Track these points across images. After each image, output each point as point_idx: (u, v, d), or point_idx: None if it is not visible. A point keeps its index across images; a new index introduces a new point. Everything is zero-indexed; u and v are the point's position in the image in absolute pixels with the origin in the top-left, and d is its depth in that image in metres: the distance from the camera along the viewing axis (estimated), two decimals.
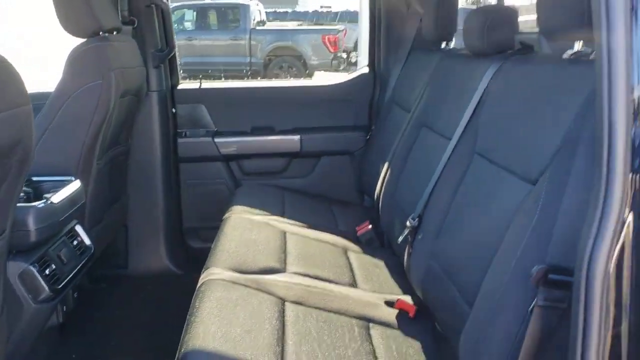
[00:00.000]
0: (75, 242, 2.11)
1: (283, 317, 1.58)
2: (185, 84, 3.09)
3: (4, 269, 1.70)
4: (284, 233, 2.23)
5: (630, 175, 0.91)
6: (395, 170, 2.27)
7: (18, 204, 1.79)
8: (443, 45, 2.47)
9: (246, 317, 1.51)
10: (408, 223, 1.82)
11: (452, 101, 1.94)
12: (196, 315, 1.50)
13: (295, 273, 1.89)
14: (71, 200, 2.03)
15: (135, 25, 2.78)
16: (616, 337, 0.95)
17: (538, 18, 1.40)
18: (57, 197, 1.93)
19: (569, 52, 1.39)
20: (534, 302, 1.07)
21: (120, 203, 2.81)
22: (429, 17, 2.40)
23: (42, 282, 1.83)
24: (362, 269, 2.06)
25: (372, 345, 1.54)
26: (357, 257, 2.18)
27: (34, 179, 2.11)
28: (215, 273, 1.76)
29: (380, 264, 2.17)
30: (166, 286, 2.89)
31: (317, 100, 3.09)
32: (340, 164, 3.07)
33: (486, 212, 1.43)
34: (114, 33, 2.44)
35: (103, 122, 2.25)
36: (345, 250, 2.21)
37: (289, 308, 1.64)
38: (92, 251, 2.19)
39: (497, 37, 1.79)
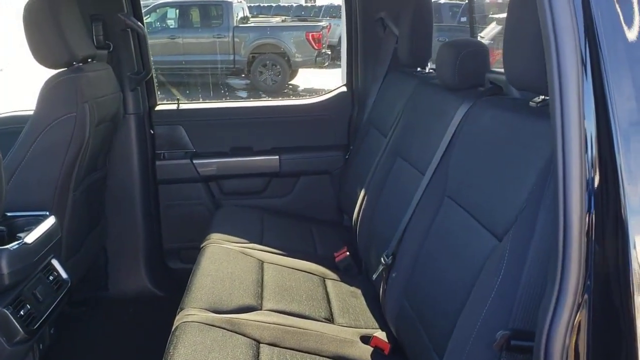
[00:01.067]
0: (51, 277, 2.10)
1: None
2: (162, 105, 3.07)
3: None
4: (262, 263, 2.23)
5: (586, 243, 0.92)
6: (372, 198, 2.28)
7: None
8: (419, 68, 2.48)
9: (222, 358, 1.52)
10: (382, 260, 1.84)
11: (425, 135, 1.95)
12: None
13: (271, 310, 1.89)
14: (47, 236, 2.01)
15: (111, 49, 2.76)
16: None
17: (505, 68, 1.41)
18: (31, 237, 1.91)
19: (536, 99, 1.41)
20: None
21: (99, 228, 2.80)
22: (404, 43, 2.41)
23: (17, 325, 1.82)
24: (339, 300, 2.07)
25: None
26: (335, 286, 2.19)
27: (8, 214, 2.10)
28: (190, 314, 1.76)
29: (358, 292, 2.18)
30: (147, 307, 2.89)
31: (296, 119, 3.09)
32: (319, 183, 3.07)
33: (455, 260, 1.45)
34: (89, 60, 2.42)
35: (78, 154, 2.24)
36: (323, 280, 2.22)
37: (264, 351, 1.65)
38: (68, 285, 2.18)
39: (468, 73, 1.81)
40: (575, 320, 0.94)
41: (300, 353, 1.67)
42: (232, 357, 1.56)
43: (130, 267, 2.99)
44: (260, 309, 1.89)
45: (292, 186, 3.08)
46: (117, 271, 2.99)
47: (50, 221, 2.08)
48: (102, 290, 2.99)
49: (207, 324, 1.71)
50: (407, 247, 1.75)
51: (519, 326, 1.09)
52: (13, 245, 1.83)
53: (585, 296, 0.94)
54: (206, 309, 1.81)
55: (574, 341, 0.94)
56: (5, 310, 1.80)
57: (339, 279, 2.28)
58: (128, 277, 2.99)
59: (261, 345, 1.67)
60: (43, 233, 1.99)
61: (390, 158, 2.23)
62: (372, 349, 1.77)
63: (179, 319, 1.75)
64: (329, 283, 2.21)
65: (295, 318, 1.87)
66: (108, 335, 2.65)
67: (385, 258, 1.82)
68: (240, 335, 1.69)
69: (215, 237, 2.42)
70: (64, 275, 2.18)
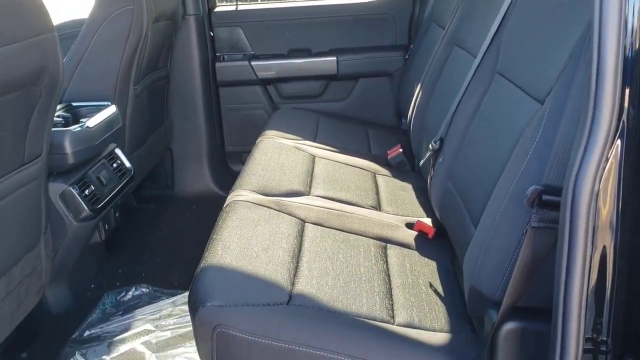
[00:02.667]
0: (115, 165, 2.22)
1: (301, 236, 1.63)
2: (221, 7, 3.08)
3: (45, 189, 1.82)
4: (313, 157, 2.25)
5: (619, 93, 0.87)
6: (427, 91, 2.22)
7: (56, 129, 1.89)
8: None
9: (265, 236, 1.57)
10: (430, 146, 1.80)
11: (481, 17, 1.86)
12: (218, 234, 1.58)
13: (319, 196, 1.92)
14: (107, 123, 2.11)
15: None
16: (602, 257, 0.94)
17: None
18: (93, 121, 2.02)
19: None
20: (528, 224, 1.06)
21: (163, 128, 2.91)
22: None
23: (82, 202, 1.95)
24: (388, 192, 2.07)
25: (387, 264, 1.58)
26: (385, 180, 2.19)
27: (73, 104, 2.21)
28: (240, 195, 1.82)
29: (408, 187, 2.17)
30: (210, 207, 3.00)
31: (355, 18, 3.01)
32: (378, 85, 3.02)
33: (499, 134, 1.40)
34: None
35: (137, 48, 2.30)
36: (374, 174, 2.22)
37: (308, 228, 1.68)
38: (132, 173, 2.30)
39: None
40: (607, 165, 0.89)
41: (344, 233, 1.69)
42: (277, 232, 1.61)
43: (194, 168, 3.10)
44: (308, 195, 1.92)
45: (350, 89, 3.05)
46: (182, 172, 3.11)
47: (112, 110, 2.17)
48: (168, 189, 3.14)
49: (255, 203, 1.76)
50: (454, 130, 1.71)
51: (551, 183, 1.05)
52: (75, 127, 1.94)
53: (618, 142, 0.89)
54: (255, 191, 1.86)
55: (603, 187, 0.90)
56: (71, 189, 1.93)
57: (390, 175, 2.27)
58: (192, 178, 3.11)
59: (306, 223, 1.71)
60: (104, 119, 2.08)
61: (447, 48, 2.15)
62: (416, 233, 1.77)
63: (229, 198, 1.81)
64: (379, 178, 2.21)
65: (342, 204, 1.89)
66: (173, 230, 2.79)
67: (433, 144, 1.79)
68: (286, 215, 1.73)
69: (270, 133, 2.46)
70: (127, 164, 2.30)
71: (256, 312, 1.27)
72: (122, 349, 1.82)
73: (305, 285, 1.38)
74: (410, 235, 1.76)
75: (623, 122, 0.89)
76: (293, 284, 1.38)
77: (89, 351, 1.81)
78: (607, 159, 0.89)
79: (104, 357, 1.78)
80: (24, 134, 1.62)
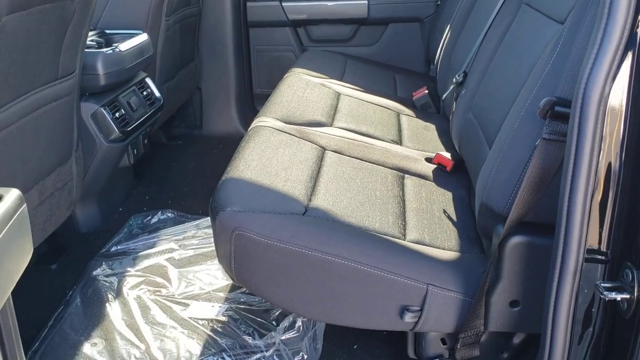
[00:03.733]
0: (145, 93, 2.29)
1: (320, 161, 1.67)
2: None
3: (77, 108, 1.89)
4: (338, 94, 2.28)
5: (634, 3, 0.87)
6: (455, 32, 2.22)
7: (89, 50, 1.95)
8: None
9: (285, 157, 1.62)
10: (454, 79, 1.81)
11: None
12: (240, 153, 1.63)
13: (341, 127, 1.96)
14: (139, 50, 2.17)
15: None
16: (608, 169, 0.96)
17: None
18: (125, 46, 2.07)
19: None
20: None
21: (192, 65, 2.95)
22: None
23: (112, 124, 2.02)
24: (410, 130, 2.09)
25: (402, 191, 1.61)
26: (409, 120, 2.21)
27: (107, 31, 2.27)
28: (264, 121, 1.86)
29: (431, 127, 2.19)
30: (236, 146, 3.07)
31: None
32: (408, 31, 3.01)
33: (521, 58, 1.40)
34: None
35: None
36: (397, 114, 2.24)
37: (328, 155, 1.72)
38: (161, 103, 2.36)
39: None
40: (618, 73, 0.91)
41: (363, 162, 1.73)
42: (297, 155, 1.65)
43: (222, 108, 3.16)
44: (330, 126, 1.96)
45: (380, 34, 3.04)
46: (211, 112, 3.17)
47: (143, 37, 2.23)
48: (196, 128, 3.21)
49: (277, 129, 1.80)
50: (478, 63, 1.72)
51: (565, 96, 1.06)
52: (108, 50, 2.00)
53: (630, 53, 0.90)
54: (279, 119, 1.90)
55: (613, 92, 0.91)
56: (103, 110, 2.00)
57: (414, 115, 2.28)
58: (220, 118, 3.17)
59: (326, 151, 1.75)
60: (135, 45, 2.14)
61: None
62: (434, 166, 1.80)
63: (253, 124, 1.86)
64: (403, 117, 2.23)
65: (363, 136, 1.93)
66: (199, 165, 2.86)
67: (457, 77, 1.80)
68: (307, 141, 1.77)
69: (296, 70, 2.49)
70: (156, 93, 2.36)
71: (272, 218, 1.33)
72: (146, 263, 1.90)
73: (321, 201, 1.43)
74: (428, 168, 1.78)
75: (636, 33, 0.90)
76: (310, 199, 1.43)
77: (115, 262, 1.90)
78: (619, 67, 0.90)
79: (128, 268, 1.87)
80: (58, 48, 1.68)
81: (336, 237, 1.32)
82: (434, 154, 1.86)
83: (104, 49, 1.99)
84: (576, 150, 0.94)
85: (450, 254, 1.35)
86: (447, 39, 2.27)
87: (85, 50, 1.95)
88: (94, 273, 1.84)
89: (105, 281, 1.80)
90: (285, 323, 1.61)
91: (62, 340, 1.57)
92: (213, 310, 1.68)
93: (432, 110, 2.39)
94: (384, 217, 1.44)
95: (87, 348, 1.55)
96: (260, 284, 1.35)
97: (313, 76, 2.45)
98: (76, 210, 2.14)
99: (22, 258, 0.86)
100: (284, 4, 3.01)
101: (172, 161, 2.85)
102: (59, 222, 1.93)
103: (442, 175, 1.77)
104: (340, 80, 2.49)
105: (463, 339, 1.29)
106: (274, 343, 1.56)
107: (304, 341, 1.57)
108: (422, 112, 2.35)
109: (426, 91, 2.38)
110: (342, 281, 1.30)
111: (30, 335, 1.61)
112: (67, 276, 1.93)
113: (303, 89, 2.24)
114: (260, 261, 1.32)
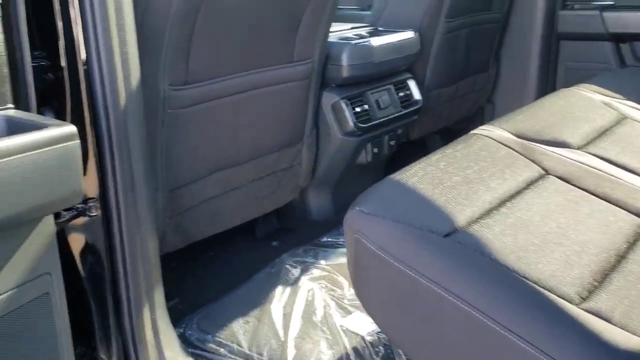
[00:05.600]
0: (402, 94, 2.19)
1: (529, 184, 1.30)
2: None
3: (315, 95, 1.92)
4: (623, 117, 1.77)
5: None
6: None
7: (338, 41, 1.97)
8: None
9: (479, 172, 1.31)
10: None
11: None
12: (432, 157, 1.40)
13: (593, 154, 1.51)
14: (395, 46, 2.08)
15: None
16: None
17: None
18: (377, 40, 2.02)
19: None
20: None
21: (484, 75, 2.72)
22: None
23: (350, 117, 1.99)
24: None
25: (631, 246, 1.14)
26: None
27: (379, 29, 2.26)
28: (487, 129, 1.57)
29: None
30: None
31: None
32: None
33: None
34: None
35: None
36: None
37: (548, 180, 1.34)
38: (418, 106, 2.23)
39: None
40: None
41: (592, 195, 1.29)
42: (501, 171, 1.32)
43: None
44: (577, 149, 1.53)
45: None
46: None
47: (407, 35, 2.14)
48: None
49: (496, 141, 1.49)
50: None
51: None
52: (356, 41, 1.98)
53: None
54: (509, 130, 1.57)
55: None
56: (342, 102, 1.99)
57: None
58: None
59: (548, 175, 1.36)
60: (392, 41, 2.06)
61: None
62: None
63: (472, 131, 1.58)
64: None
65: (618, 169, 1.45)
66: None
67: None
68: (527, 159, 1.41)
69: (583, 86, 2.04)
70: (416, 96, 2.24)
71: (400, 230, 1.08)
72: (340, 260, 1.84)
73: (484, 227, 1.11)
74: None
75: None
76: (469, 223, 1.13)
77: (313, 251, 1.89)
78: None
79: (321, 261, 1.83)
80: (293, 32, 1.73)
81: (474, 277, 1.00)
82: None
83: (353, 41, 1.97)
84: None
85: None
86: None
87: (336, 41, 1.97)
88: (285, 256, 1.85)
89: (292, 266, 1.79)
90: None
91: (224, 310, 1.61)
92: (368, 328, 1.49)
93: None
94: (566, 268, 1.03)
95: (238, 324, 1.55)
96: (370, 302, 1.13)
97: (602, 94, 1.97)
98: (309, 197, 2.19)
99: (62, 184, 0.88)
100: (604, 13, 2.51)
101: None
102: (281, 202, 2.00)
103: None
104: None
105: None
106: None
107: None
108: None
109: None
110: (462, 334, 0.98)
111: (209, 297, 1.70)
112: (279, 255, 1.98)
113: (574, 104, 1.81)
114: (374, 276, 1.10)
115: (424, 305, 1.03)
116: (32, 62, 1.03)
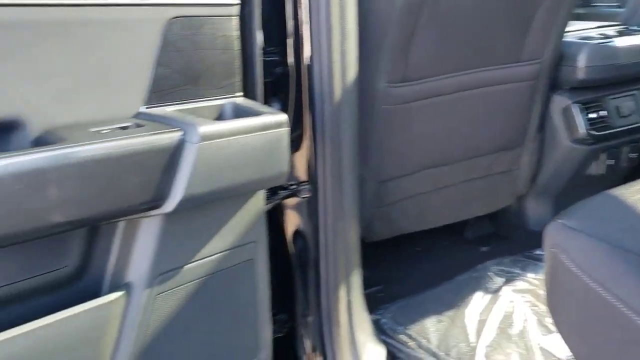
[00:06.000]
0: None
1: None
2: None
3: (543, 97, 1.82)
4: None
5: None
6: None
7: (576, 41, 1.84)
8: None
9: None
10: None
11: None
12: None
13: None
14: None
15: None
16: None
17: None
18: (623, 41, 1.81)
19: None
20: None
21: None
22: None
23: (581, 123, 1.83)
24: None
25: None
26: None
27: (631, 27, 2.04)
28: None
29: None
30: None
31: None
32: None
33: None
34: None
35: None
36: None
37: None
38: None
39: None
40: None
41: None
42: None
43: None
44: None
45: None
46: None
47: None
48: None
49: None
50: None
51: None
52: (596, 41, 1.81)
53: None
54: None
55: None
56: (574, 106, 1.85)
57: None
58: None
59: None
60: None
61: None
62: None
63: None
64: None
65: None
66: None
67: None
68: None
69: None
70: None
71: (605, 251, 0.98)
72: None
73: None
74: None
75: None
76: None
77: (521, 263, 1.79)
78: None
79: (528, 274, 1.72)
80: (524, 29, 1.66)
81: None
82: None
83: (592, 41, 1.80)
84: None
85: None
86: None
87: (573, 40, 1.83)
88: (490, 263, 1.78)
89: (496, 274, 1.72)
90: None
91: (421, 305, 1.62)
92: (569, 352, 1.37)
93: None
94: None
95: (431, 321, 1.55)
96: (563, 322, 1.05)
97: None
98: (528, 205, 2.07)
99: (271, 165, 0.99)
100: None
101: None
102: (494, 207, 1.94)
103: None
104: None
105: None
106: None
107: None
108: None
109: None
110: None
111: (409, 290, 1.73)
112: (485, 261, 1.92)
113: None
114: (569, 296, 1.01)
115: (623, 339, 0.93)
116: (264, 57, 1.16)
